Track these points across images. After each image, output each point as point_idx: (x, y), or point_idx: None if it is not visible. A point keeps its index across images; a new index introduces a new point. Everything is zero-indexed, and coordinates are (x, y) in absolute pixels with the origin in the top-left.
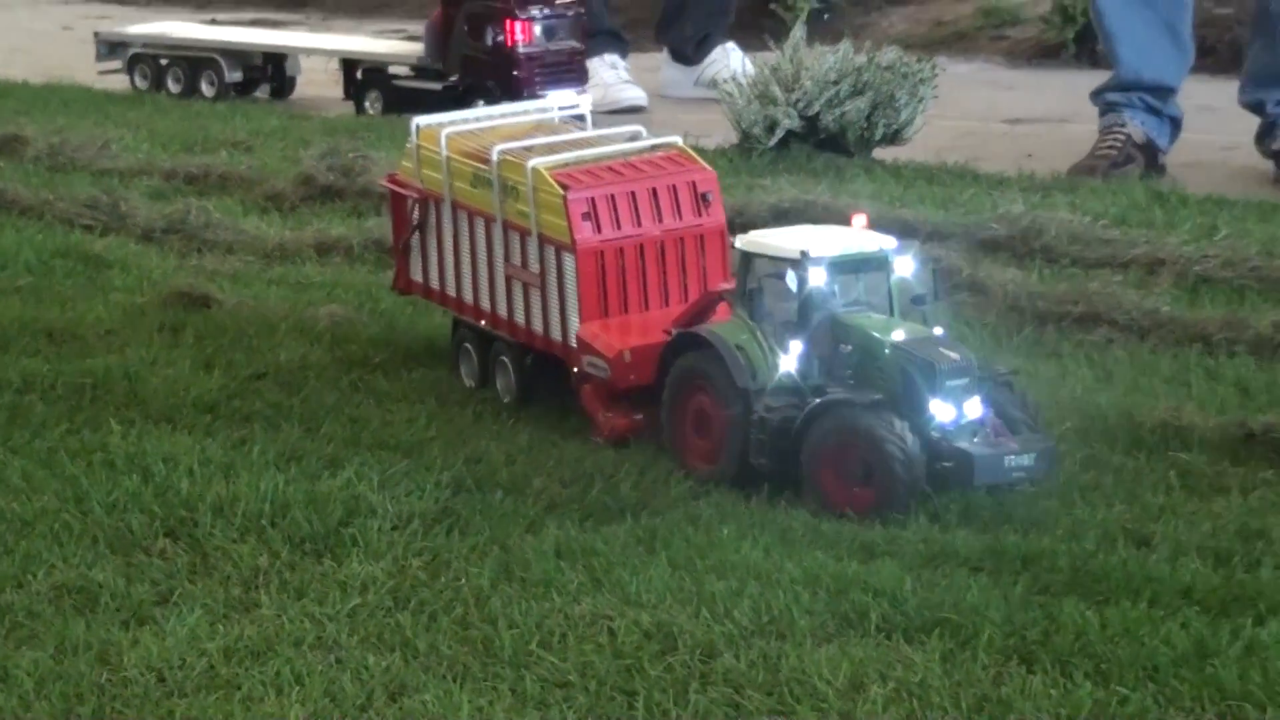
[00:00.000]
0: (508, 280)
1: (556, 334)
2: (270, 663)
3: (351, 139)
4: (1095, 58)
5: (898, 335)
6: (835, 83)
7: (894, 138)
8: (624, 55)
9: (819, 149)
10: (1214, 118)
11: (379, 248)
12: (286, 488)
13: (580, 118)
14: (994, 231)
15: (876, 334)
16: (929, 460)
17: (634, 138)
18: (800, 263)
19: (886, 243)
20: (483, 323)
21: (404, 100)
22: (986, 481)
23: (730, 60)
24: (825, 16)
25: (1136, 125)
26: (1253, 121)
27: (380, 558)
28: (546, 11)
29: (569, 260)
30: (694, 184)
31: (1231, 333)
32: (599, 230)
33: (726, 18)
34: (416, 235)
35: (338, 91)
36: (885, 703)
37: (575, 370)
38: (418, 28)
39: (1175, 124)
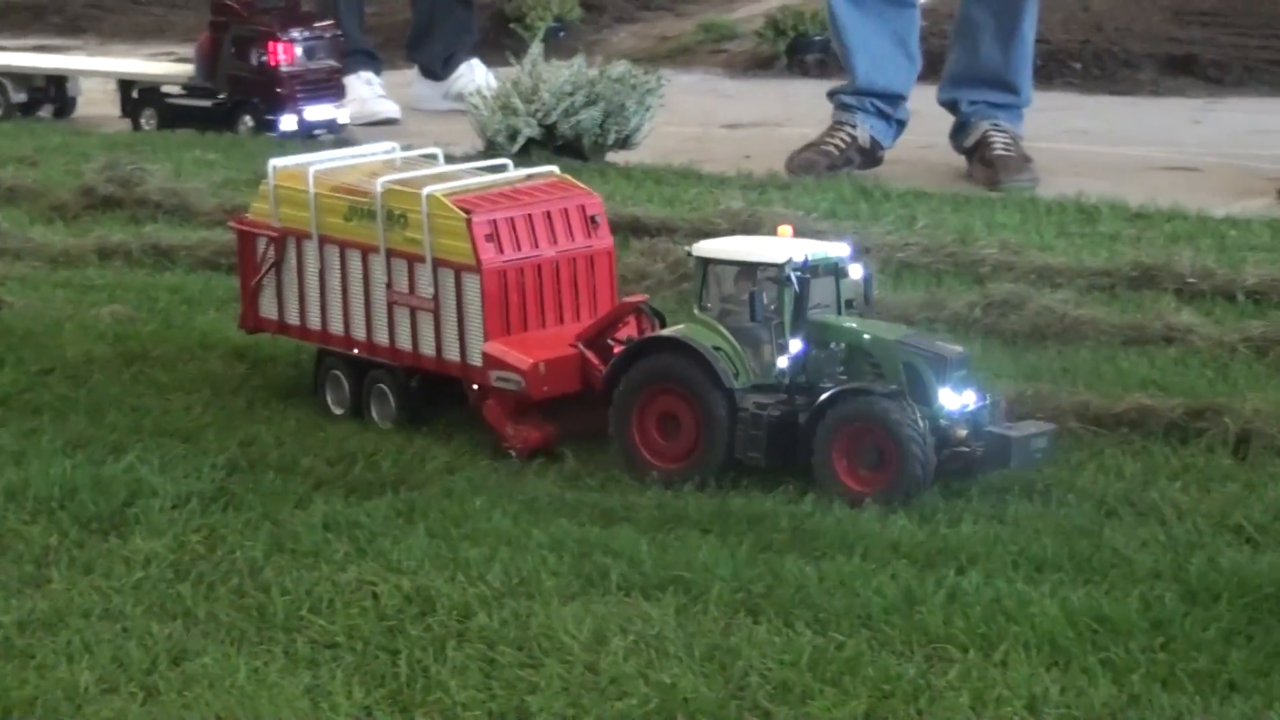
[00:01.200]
0: (389, 307)
1: (453, 354)
2: (61, 633)
3: (129, 153)
4: (805, 67)
5: (894, 333)
6: (570, 94)
7: (624, 143)
8: (378, 72)
9: (557, 154)
10: (913, 118)
11: (156, 251)
12: (74, 472)
13: (431, 155)
14: (716, 225)
15: (875, 333)
16: (950, 446)
17: (501, 169)
18: (793, 268)
19: (843, 250)
20: (356, 351)
21: (177, 117)
22: (1020, 464)
23: (475, 75)
24: (560, 34)
25: (865, 129)
26: (948, 121)
27: (162, 534)
28: (306, 33)
29: (471, 281)
30: (583, 208)
31: (930, 312)
32: (501, 251)
33: (471, 36)
34: (268, 274)
35: (115, 110)
36: (626, 654)
37: (475, 387)
38: (188, 50)
39: (901, 125)
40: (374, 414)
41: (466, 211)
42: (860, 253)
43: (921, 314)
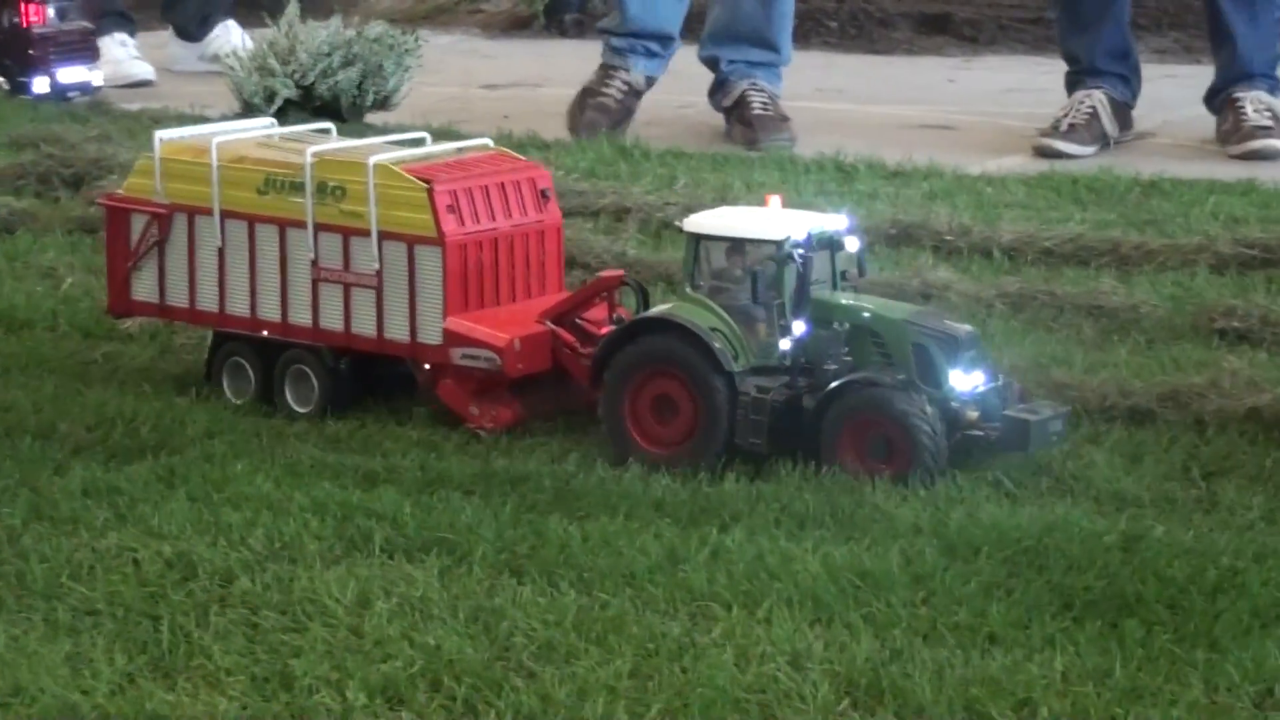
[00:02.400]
0: (314, 285)
1: (398, 333)
2: None
3: None
4: (563, 28)
5: (900, 311)
6: (328, 55)
7: (383, 104)
8: (132, 34)
9: (315, 115)
10: (672, 78)
11: None
12: None
13: (325, 130)
14: None
15: (882, 311)
16: (961, 429)
17: (419, 143)
18: (795, 245)
19: (840, 223)
20: (265, 333)
21: None
22: (1038, 446)
23: (231, 36)
24: None
25: (639, 73)
26: (707, 79)
27: None
28: None
29: (427, 255)
30: (534, 181)
31: None
32: (463, 223)
33: None
34: (142, 254)
35: None
36: (390, 616)
37: (427, 367)
38: None
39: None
40: (289, 399)
41: (426, 181)
42: (857, 225)
43: (679, 273)
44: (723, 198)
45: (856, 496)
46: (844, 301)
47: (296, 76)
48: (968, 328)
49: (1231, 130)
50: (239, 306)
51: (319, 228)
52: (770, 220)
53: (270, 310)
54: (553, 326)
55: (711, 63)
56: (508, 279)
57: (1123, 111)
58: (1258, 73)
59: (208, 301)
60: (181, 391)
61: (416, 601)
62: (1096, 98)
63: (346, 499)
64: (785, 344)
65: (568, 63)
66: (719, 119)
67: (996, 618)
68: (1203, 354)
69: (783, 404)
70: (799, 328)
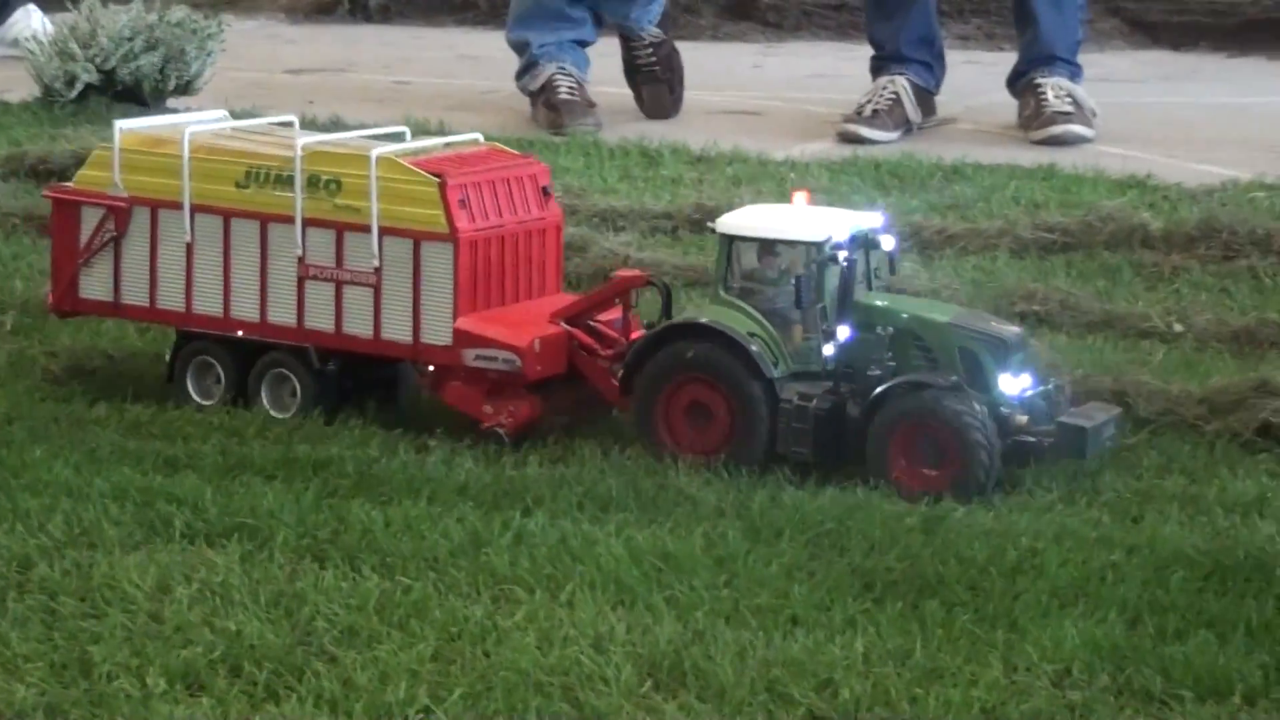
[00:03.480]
0: (300, 283)
1: (399, 333)
2: None
3: None
4: (368, 13)
5: (944, 313)
6: (129, 39)
7: (186, 88)
8: None
9: (117, 100)
10: (481, 62)
11: None
12: None
13: (288, 123)
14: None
15: (926, 314)
16: (1011, 434)
17: (399, 137)
18: (841, 245)
19: (876, 220)
20: (240, 333)
21: None
22: (1095, 452)
23: (31, 20)
24: None
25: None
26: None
27: None
28: None
29: (436, 252)
30: (535, 177)
31: None
32: (474, 220)
33: None
34: (95, 250)
35: None
36: (190, 602)
37: (430, 369)
38: None
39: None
40: (265, 401)
41: (437, 175)
42: (892, 222)
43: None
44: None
45: (659, 479)
46: (885, 304)
47: (98, 61)
48: (1016, 329)
49: (1033, 115)
50: (210, 305)
51: (308, 223)
52: (807, 220)
53: (248, 309)
54: (569, 328)
55: (519, 46)
56: (513, 278)
57: (926, 98)
58: (1060, 57)
59: (171, 300)
60: None
61: (217, 587)
62: (900, 84)
63: (147, 484)
64: (829, 349)
65: (371, 48)
66: (526, 103)
67: (798, 599)
68: None
69: (827, 411)
70: (843, 332)
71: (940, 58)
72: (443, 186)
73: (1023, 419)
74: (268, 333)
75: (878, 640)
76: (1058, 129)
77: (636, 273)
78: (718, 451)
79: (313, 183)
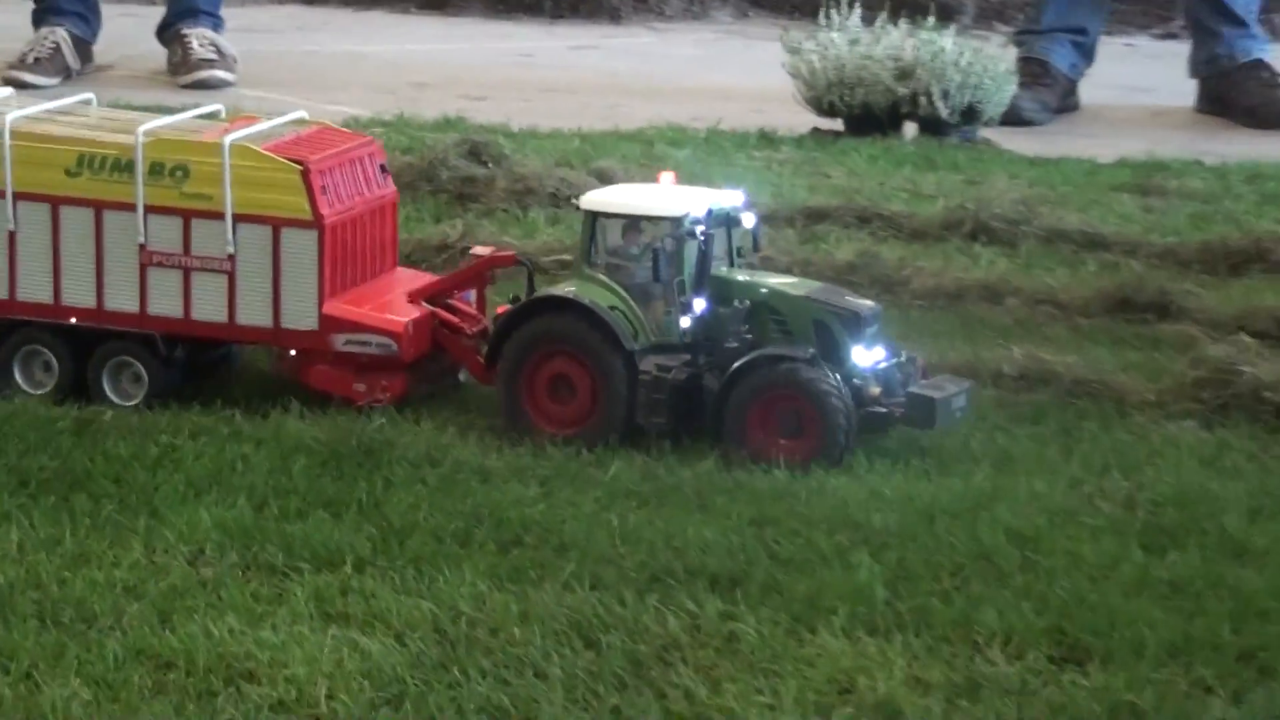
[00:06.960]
0: (143, 270)
1: (257, 319)
2: None
3: None
4: None
5: (801, 288)
6: None
7: None
8: None
9: None
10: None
11: None
12: None
13: (87, 101)
14: None
15: (782, 288)
16: (864, 405)
17: (215, 115)
18: (698, 220)
19: (736, 199)
20: (74, 320)
21: None
22: (945, 423)
23: None
24: None
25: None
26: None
27: None
28: None
29: (297, 238)
30: (373, 155)
31: None
32: (333, 204)
33: None
34: None
35: None
36: None
37: (291, 353)
38: None
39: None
40: (107, 390)
41: (299, 163)
42: (752, 200)
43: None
44: None
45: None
46: (743, 278)
47: None
48: (870, 303)
49: (180, 62)
50: (42, 294)
51: (150, 210)
52: (668, 197)
53: (81, 296)
54: (431, 307)
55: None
56: (363, 257)
57: (84, 46)
58: (203, 10)
59: None
60: None
61: None
62: (60, 34)
63: None
64: (685, 322)
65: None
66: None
67: None
68: None
69: (684, 382)
70: (699, 305)
71: (95, 11)
72: (305, 174)
73: (876, 390)
74: (105, 319)
75: (31, 531)
76: (203, 74)
77: (506, 253)
78: (582, 424)
79: (156, 170)
